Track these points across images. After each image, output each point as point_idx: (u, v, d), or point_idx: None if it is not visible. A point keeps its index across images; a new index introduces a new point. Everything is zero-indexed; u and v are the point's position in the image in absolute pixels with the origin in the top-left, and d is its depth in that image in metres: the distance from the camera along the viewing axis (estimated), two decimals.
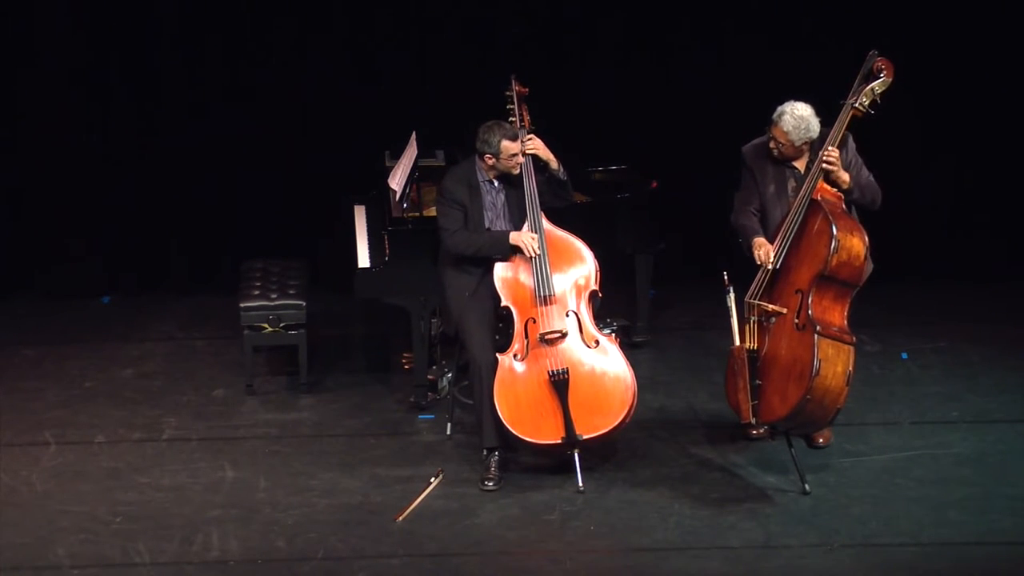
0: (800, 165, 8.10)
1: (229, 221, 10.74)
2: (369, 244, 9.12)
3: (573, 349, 8.11)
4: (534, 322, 8.13)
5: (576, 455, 8.04)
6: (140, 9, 10.47)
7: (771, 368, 7.87)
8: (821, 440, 8.39)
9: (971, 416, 8.77)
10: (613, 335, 8.30)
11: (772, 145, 8.06)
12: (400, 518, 7.83)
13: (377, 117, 10.48)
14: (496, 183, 8.34)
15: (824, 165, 7.89)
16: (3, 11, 10.39)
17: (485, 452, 8.16)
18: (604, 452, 8.33)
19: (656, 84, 10.59)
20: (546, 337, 8.10)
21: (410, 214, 9.17)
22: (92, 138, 10.65)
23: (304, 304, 9.22)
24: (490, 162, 8.25)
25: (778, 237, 7.96)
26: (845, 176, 7.96)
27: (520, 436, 8.05)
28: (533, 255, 8.16)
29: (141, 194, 10.71)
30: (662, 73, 10.61)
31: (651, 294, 9.77)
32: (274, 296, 9.23)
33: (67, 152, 10.64)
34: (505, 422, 8.03)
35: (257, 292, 9.27)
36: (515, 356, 8.12)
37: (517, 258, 8.22)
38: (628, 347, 9.04)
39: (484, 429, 8.15)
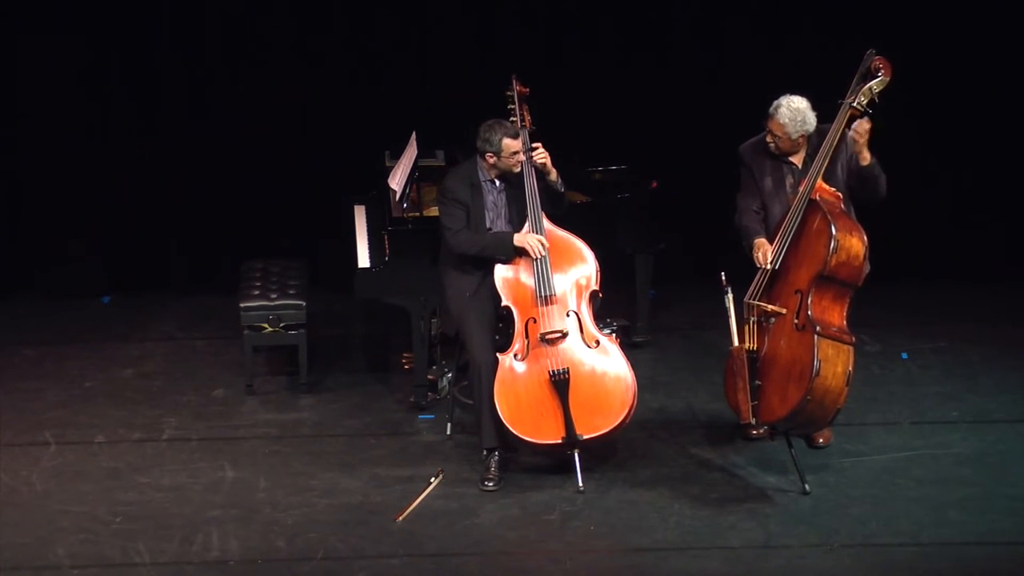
0: (797, 160, 8.11)
1: (229, 221, 10.74)
2: (369, 244, 9.12)
3: (574, 349, 8.11)
4: (535, 322, 8.13)
5: (576, 455, 8.05)
6: (140, 9, 10.47)
7: (771, 368, 7.87)
8: (821, 440, 8.39)
9: (971, 416, 8.77)
10: (613, 335, 8.29)
11: (769, 139, 8.06)
12: (400, 518, 7.83)
13: (377, 117, 10.48)
14: (497, 183, 8.34)
15: (853, 138, 7.86)
16: (3, 11, 10.39)
17: (485, 452, 8.16)
18: (604, 452, 8.33)
19: (656, 84, 10.59)
20: (547, 337, 8.11)
21: (410, 214, 9.17)
22: (92, 138, 10.65)
23: (304, 304, 9.22)
24: (491, 161, 8.25)
25: (777, 237, 7.96)
26: (867, 152, 7.94)
27: (520, 436, 8.05)
28: (538, 256, 8.15)
29: (141, 194, 10.71)
30: (662, 73, 10.60)
31: (651, 294, 9.77)
32: (274, 296, 9.23)
33: (67, 152, 10.64)
34: (505, 422, 8.03)
35: (257, 292, 9.27)
36: (515, 356, 8.12)
37: (519, 258, 8.22)
38: (628, 347, 9.04)
39: (484, 429, 8.15)
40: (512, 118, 8.37)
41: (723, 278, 8.02)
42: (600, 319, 8.41)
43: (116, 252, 10.82)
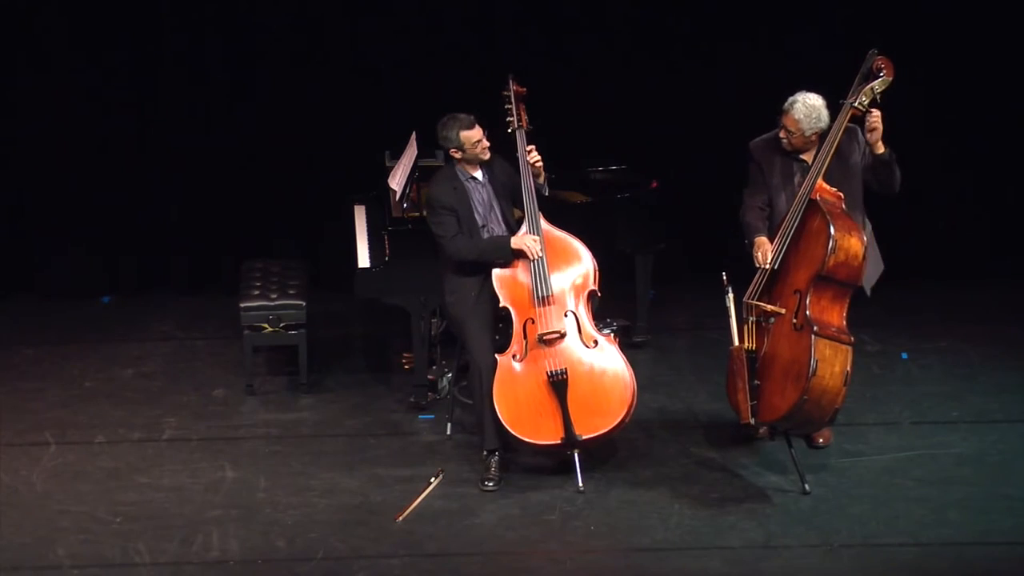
0: (808, 158, 8.10)
1: (229, 221, 10.74)
2: (369, 244, 9.12)
3: (572, 349, 8.11)
4: (533, 323, 8.13)
5: (576, 455, 8.04)
6: (140, 9, 10.47)
7: (770, 368, 7.87)
8: (821, 440, 8.39)
9: (971, 416, 8.77)
10: (612, 335, 8.28)
11: (783, 135, 8.05)
12: (400, 518, 7.83)
13: (377, 117, 10.48)
14: (480, 177, 8.32)
15: (870, 128, 7.85)
16: (3, 11, 10.39)
17: (485, 453, 8.16)
18: (604, 452, 8.33)
19: (656, 84, 10.58)
20: (545, 338, 8.10)
21: (410, 214, 9.17)
22: (92, 138, 10.64)
23: (304, 304, 9.22)
24: (458, 156, 8.25)
25: (777, 237, 7.96)
26: (882, 143, 7.94)
27: (520, 437, 8.04)
28: (535, 258, 8.15)
29: (141, 194, 10.70)
30: (663, 73, 10.60)
31: (651, 294, 9.77)
32: (274, 296, 9.23)
33: (67, 152, 10.63)
34: (505, 423, 8.03)
35: (257, 292, 9.27)
36: (514, 357, 8.11)
37: (516, 260, 8.22)
38: (628, 347, 9.05)
39: (485, 431, 8.15)
40: (509, 118, 8.35)
41: (724, 278, 8.01)
42: (600, 319, 8.41)
43: (116, 252, 10.82)
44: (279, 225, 10.66)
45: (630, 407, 8.05)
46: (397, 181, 9.10)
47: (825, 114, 8.00)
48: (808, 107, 7.98)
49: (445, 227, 8.25)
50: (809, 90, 8.07)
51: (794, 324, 7.81)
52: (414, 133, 9.40)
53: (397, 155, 9.43)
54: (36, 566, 7.47)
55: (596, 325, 8.23)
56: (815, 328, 7.72)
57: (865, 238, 7.87)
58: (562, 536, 7.70)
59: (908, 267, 10.45)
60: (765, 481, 8.10)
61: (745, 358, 7.88)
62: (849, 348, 7.78)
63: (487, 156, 8.26)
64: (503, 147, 8.35)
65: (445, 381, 9.12)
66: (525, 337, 8.13)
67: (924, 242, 10.67)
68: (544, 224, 8.25)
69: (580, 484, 8.02)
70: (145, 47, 10.53)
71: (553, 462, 8.23)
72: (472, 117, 8.22)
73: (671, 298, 10.35)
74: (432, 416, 8.95)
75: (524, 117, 8.36)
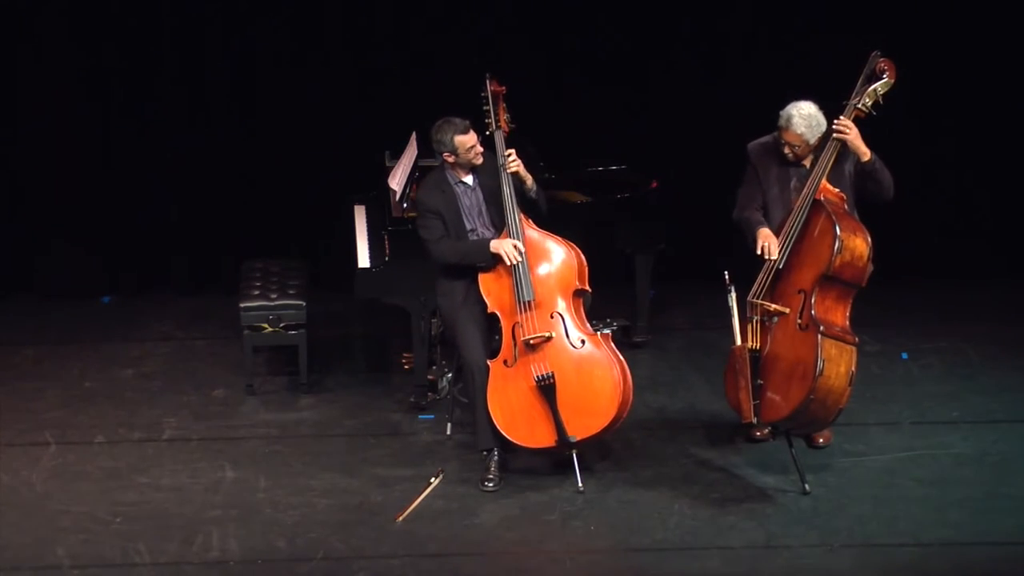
0: (805, 162, 8.11)
1: (229, 221, 10.74)
2: (369, 244, 9.12)
3: (558, 352, 8.06)
4: (519, 327, 8.10)
5: (575, 455, 8.04)
6: (141, 8, 10.47)
7: (773, 368, 7.87)
8: (821, 440, 8.39)
9: (971, 416, 8.77)
10: (609, 333, 8.22)
11: (787, 150, 8.05)
12: (400, 518, 7.83)
13: (377, 117, 10.48)
14: (470, 182, 8.30)
15: (837, 136, 7.87)
16: (3, 10, 10.39)
17: (484, 453, 8.16)
18: (604, 452, 8.33)
19: (656, 84, 10.58)
20: (531, 342, 8.07)
21: (410, 214, 9.16)
22: (92, 138, 10.64)
23: (304, 304, 9.22)
24: (451, 160, 8.23)
25: (781, 237, 7.96)
26: (864, 147, 7.95)
27: (515, 442, 8.05)
28: (513, 262, 8.11)
29: (141, 194, 10.70)
30: (663, 72, 10.60)
31: (651, 294, 9.77)
32: (274, 296, 9.23)
33: (67, 152, 10.63)
34: (500, 429, 8.03)
35: (257, 292, 9.27)
36: (505, 363, 8.10)
37: (500, 265, 8.18)
38: (628, 347, 9.05)
39: (479, 430, 8.15)
40: (486, 119, 8.28)
41: (726, 277, 8.01)
42: (600, 319, 8.39)
43: (116, 252, 10.82)
44: (279, 225, 10.65)
45: (622, 405, 8.01)
46: (397, 181, 9.10)
47: (822, 117, 8.01)
48: (805, 117, 7.99)
49: (430, 230, 8.24)
50: (809, 90, 8.08)
51: (799, 324, 7.81)
52: (414, 133, 9.40)
53: (397, 155, 9.43)
54: (36, 566, 7.47)
55: (590, 324, 8.19)
56: (821, 328, 7.72)
57: (870, 239, 7.87)
58: (562, 536, 7.70)
59: (908, 267, 10.47)
60: (765, 481, 8.10)
61: (748, 357, 7.88)
62: (854, 348, 7.79)
63: (480, 162, 8.23)
64: (491, 149, 8.32)
65: (445, 381, 9.12)
66: (514, 342, 8.10)
67: (924, 242, 10.66)
68: (527, 227, 8.20)
69: (580, 484, 8.02)
70: (145, 47, 10.53)
71: (553, 462, 8.22)
72: (467, 122, 8.18)
73: (671, 298, 10.35)
74: (432, 416, 8.95)
75: (504, 118, 8.24)
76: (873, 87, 7.93)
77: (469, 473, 8.23)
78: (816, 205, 7.89)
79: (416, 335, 9.01)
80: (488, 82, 8.28)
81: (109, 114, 10.65)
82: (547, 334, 8.07)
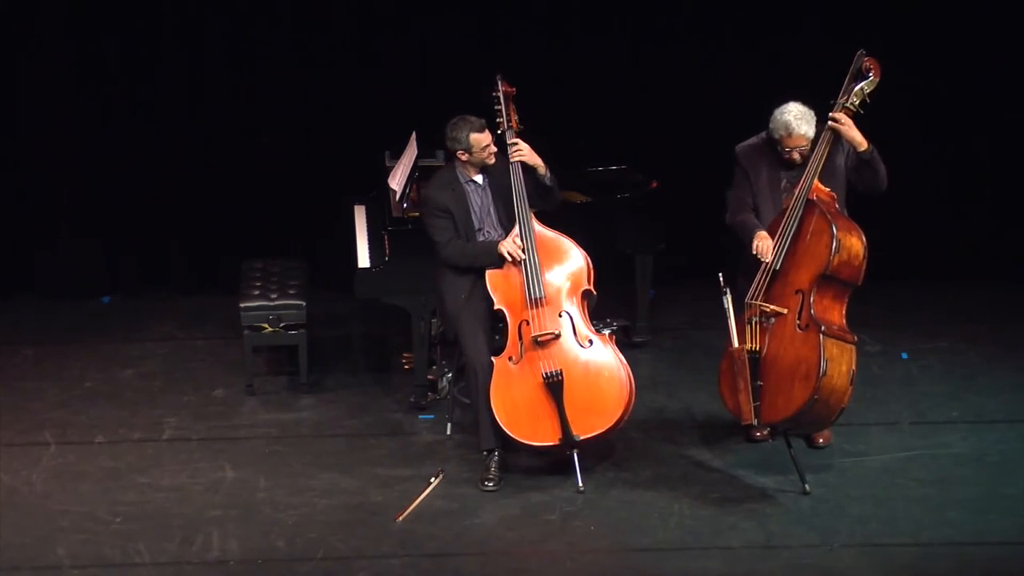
0: (795, 155, 8.10)
1: (229, 221, 10.74)
2: (369, 244, 9.12)
3: (567, 350, 8.09)
4: (527, 324, 8.12)
5: (575, 455, 8.04)
6: (140, 8, 10.47)
7: (773, 369, 7.86)
8: (821, 440, 8.39)
9: (971, 416, 8.77)
10: (611, 334, 8.27)
11: (795, 155, 8.05)
12: (400, 518, 7.83)
13: (377, 117, 10.48)
14: (480, 180, 8.32)
15: (832, 125, 7.89)
16: (3, 10, 10.39)
17: (485, 453, 8.16)
18: (604, 452, 8.33)
19: (657, 83, 10.58)
20: (539, 339, 8.09)
21: (410, 214, 9.17)
22: (92, 138, 10.64)
23: (304, 304, 9.22)
24: (464, 158, 8.24)
25: (775, 238, 7.96)
26: (859, 136, 7.97)
27: (518, 439, 8.05)
28: (519, 260, 8.12)
29: (141, 194, 10.70)
30: (663, 72, 10.59)
31: (651, 294, 9.77)
32: (274, 296, 9.23)
33: (67, 152, 10.63)
34: (503, 426, 8.03)
35: (257, 292, 9.27)
36: (510, 359, 8.11)
37: (508, 262, 8.20)
38: (628, 347, 9.05)
39: (482, 430, 8.15)
40: (498, 119, 8.31)
41: (721, 279, 8.02)
42: (600, 319, 8.40)
43: (116, 252, 10.82)
44: (279, 225, 10.65)
45: (627, 406, 8.04)
46: (397, 181, 9.10)
47: (808, 108, 8.02)
48: (800, 116, 8.02)
49: (439, 231, 8.25)
50: (808, 90, 8.09)
51: (798, 324, 7.81)
52: (414, 133, 9.40)
53: (397, 155, 9.43)
54: (36, 566, 7.47)
55: (593, 324, 8.22)
56: (822, 328, 7.73)
57: (864, 238, 7.88)
58: (562, 536, 7.70)
59: (908, 267, 10.47)
60: (765, 481, 8.10)
61: (747, 359, 7.88)
62: (853, 347, 7.80)
63: (492, 161, 8.25)
64: (502, 149, 8.34)
65: (445, 381, 9.12)
66: (520, 339, 8.11)
67: (924, 242, 10.66)
68: (536, 226, 8.23)
69: (580, 484, 8.02)
70: (145, 47, 10.52)
71: (553, 462, 8.22)
72: (483, 120, 8.22)
73: (671, 298, 10.35)
74: (432, 416, 8.95)
75: (514, 117, 8.30)
76: (859, 86, 7.96)
77: (469, 473, 8.23)
78: (810, 205, 7.90)
79: (416, 335, 9.01)
80: (500, 83, 8.31)
81: (109, 114, 10.64)
82: (556, 331, 8.08)
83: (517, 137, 8.24)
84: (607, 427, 8.04)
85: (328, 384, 9.40)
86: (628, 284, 9.60)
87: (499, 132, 8.28)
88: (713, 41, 10.62)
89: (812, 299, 7.81)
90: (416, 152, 9.33)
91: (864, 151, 7.99)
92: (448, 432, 8.70)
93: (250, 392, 9.25)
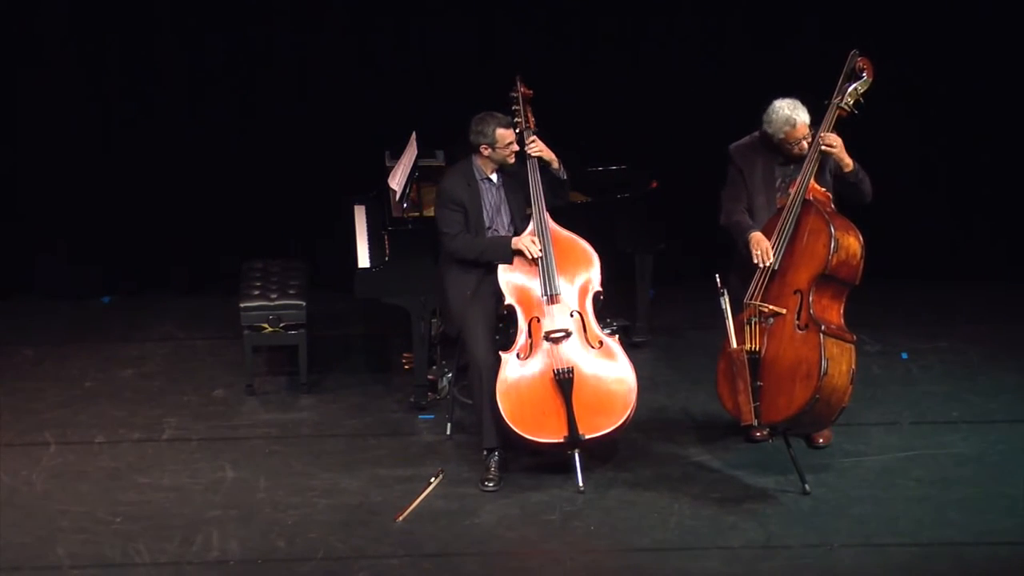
0: (798, 148, 8.10)
1: (229, 221, 10.74)
2: (369, 244, 9.12)
3: (577, 349, 8.12)
4: (538, 321, 8.14)
5: (576, 455, 8.04)
6: (140, 8, 10.47)
7: (773, 369, 7.86)
8: (821, 440, 8.39)
9: (971, 416, 8.77)
10: (612, 334, 8.28)
11: (804, 145, 8.05)
12: (400, 518, 7.83)
13: (377, 117, 10.48)
14: (495, 179, 8.35)
15: (825, 149, 7.91)
16: (3, 11, 10.39)
17: (485, 452, 8.16)
18: (604, 452, 8.32)
19: (657, 83, 10.58)
20: (551, 336, 8.11)
21: (410, 214, 9.17)
22: (92, 138, 10.64)
23: (304, 304, 9.22)
24: (486, 152, 8.26)
25: (773, 238, 7.97)
26: (848, 159, 7.99)
27: (522, 434, 8.04)
28: (536, 255, 8.15)
29: (141, 194, 10.70)
30: (663, 72, 10.60)
31: (651, 294, 9.77)
32: (274, 296, 9.23)
33: (67, 152, 10.63)
34: (508, 420, 8.03)
35: (257, 292, 9.27)
36: (519, 355, 8.12)
37: (522, 258, 8.22)
38: (628, 347, 9.03)
39: (484, 429, 8.15)
40: (516, 119, 8.37)
41: (718, 280, 8.03)
42: (600, 319, 8.40)
43: (116, 252, 10.82)
44: (279, 225, 10.65)
45: (633, 408, 8.07)
46: (397, 181, 9.10)
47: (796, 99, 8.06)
48: (793, 106, 8.07)
49: (450, 223, 8.27)
50: (808, 90, 8.11)
51: (796, 324, 7.82)
52: (414, 133, 9.40)
53: (397, 155, 9.43)
54: (36, 566, 7.47)
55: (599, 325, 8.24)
56: (822, 327, 7.73)
57: (861, 237, 7.89)
58: (562, 536, 7.70)
59: (908, 267, 10.47)
60: (765, 481, 8.10)
61: (746, 359, 7.88)
62: (853, 346, 7.81)
63: (513, 161, 8.29)
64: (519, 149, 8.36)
65: (445, 381, 9.12)
66: (531, 335, 8.13)
67: (924, 242, 10.66)
68: (552, 225, 8.26)
69: (580, 484, 8.02)
70: (145, 47, 10.53)
71: (553, 462, 8.22)
72: (510, 118, 8.27)
73: (671, 298, 10.35)
74: (432, 416, 8.95)
75: (532, 119, 8.39)
76: (853, 86, 7.98)
77: (469, 473, 8.23)
78: (807, 205, 7.91)
79: (416, 335, 9.01)
80: (519, 84, 8.39)
81: (109, 114, 10.64)
82: (569, 329, 8.09)
83: (533, 136, 8.30)
84: (612, 428, 8.05)
85: (328, 384, 9.40)
86: (628, 284, 9.60)
87: (517, 132, 8.34)
88: (713, 41, 10.62)
89: (811, 299, 7.82)
90: (416, 152, 9.33)
91: (849, 172, 8.02)
92: (448, 432, 8.70)
93: (250, 392, 9.25)
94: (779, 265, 7.93)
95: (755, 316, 7.93)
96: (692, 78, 10.59)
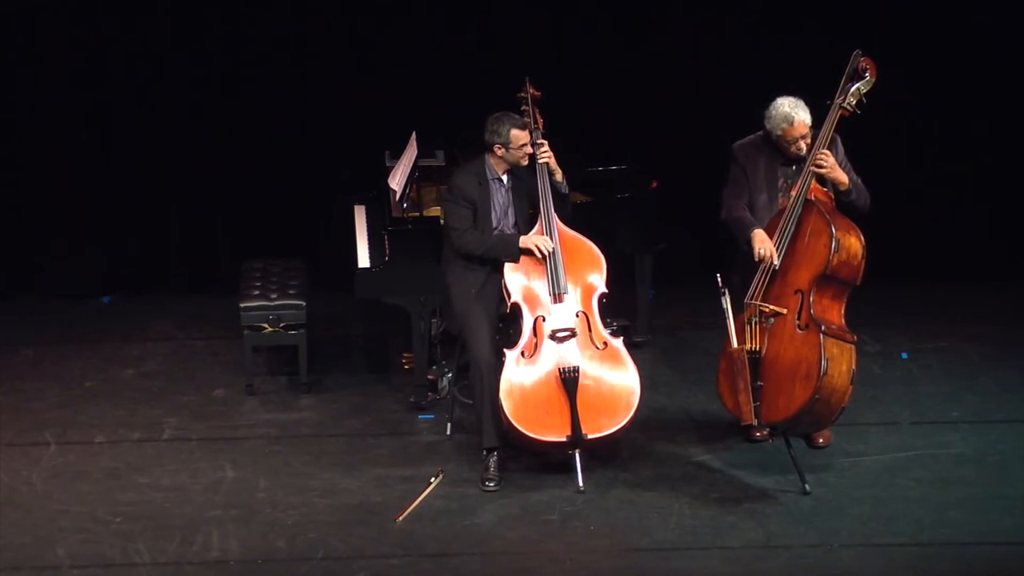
0: (800, 146, 8.10)
1: (229, 221, 10.74)
2: (369, 244, 9.12)
3: (583, 349, 8.12)
4: (544, 320, 8.14)
5: (577, 455, 8.04)
6: (140, 8, 10.47)
7: (773, 369, 7.86)
8: (821, 440, 8.39)
9: (971, 416, 8.77)
10: (612, 334, 8.28)
11: (802, 144, 8.04)
12: (400, 518, 7.83)
13: (377, 117, 10.48)
14: (504, 180, 8.36)
15: (815, 170, 7.93)
16: (3, 11, 10.39)
17: (485, 452, 8.16)
18: (604, 452, 8.32)
19: (657, 83, 10.58)
20: (557, 335, 8.11)
21: (410, 214, 9.18)
22: (92, 138, 10.64)
23: (304, 304, 9.22)
24: (500, 152, 8.27)
25: (774, 237, 7.97)
26: (843, 176, 8.00)
27: (525, 432, 8.04)
28: (546, 253, 8.16)
29: (141, 194, 10.70)
30: (663, 72, 10.60)
31: (651, 294, 9.77)
32: (274, 296, 9.23)
33: (67, 152, 10.63)
34: (511, 418, 8.03)
35: (257, 292, 9.27)
36: (523, 353, 8.12)
37: (529, 257, 8.23)
38: (628, 347, 9.03)
39: (484, 429, 8.15)
40: (525, 120, 8.37)
41: (719, 279, 8.03)
42: (600, 318, 8.40)
43: (116, 252, 10.82)
44: (279, 225, 10.65)
45: (636, 410, 8.08)
46: (397, 181, 9.10)
47: (799, 99, 8.06)
48: (794, 104, 8.07)
49: (459, 219, 8.27)
50: (807, 90, 8.11)
51: (797, 324, 7.82)
52: (414, 133, 9.40)
53: (397, 155, 9.43)
54: (36, 566, 7.47)
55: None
56: (822, 327, 7.73)
57: (862, 237, 7.89)
58: (562, 536, 7.70)
59: (908, 267, 10.47)
60: (765, 481, 8.10)
61: (747, 359, 7.88)
62: (853, 346, 7.81)
63: (525, 163, 8.30)
64: None
65: (445, 381, 9.12)
66: (535, 334, 8.14)
67: (924, 242, 10.66)
68: (559, 224, 8.27)
69: (580, 484, 8.02)
70: (145, 46, 10.53)
71: (553, 462, 8.22)
72: (526, 120, 8.28)
73: (671, 298, 10.35)
74: (432, 416, 8.95)
75: (540, 120, 8.40)
76: (856, 86, 7.98)
77: (469, 473, 8.23)
78: (808, 205, 7.91)
79: (416, 335, 9.01)
80: (528, 85, 8.41)
81: (109, 114, 10.65)
82: (575, 328, 8.09)
83: (543, 140, 8.31)
84: (615, 428, 8.06)
85: (328, 384, 9.40)
86: (628, 284, 9.60)
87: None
88: (713, 41, 10.62)
89: (811, 299, 7.82)
90: (416, 152, 9.34)
91: (844, 191, 8.02)
92: (448, 432, 8.70)
93: (250, 392, 9.25)
94: (780, 265, 7.93)
95: (756, 316, 7.93)
96: (692, 78, 10.58)
